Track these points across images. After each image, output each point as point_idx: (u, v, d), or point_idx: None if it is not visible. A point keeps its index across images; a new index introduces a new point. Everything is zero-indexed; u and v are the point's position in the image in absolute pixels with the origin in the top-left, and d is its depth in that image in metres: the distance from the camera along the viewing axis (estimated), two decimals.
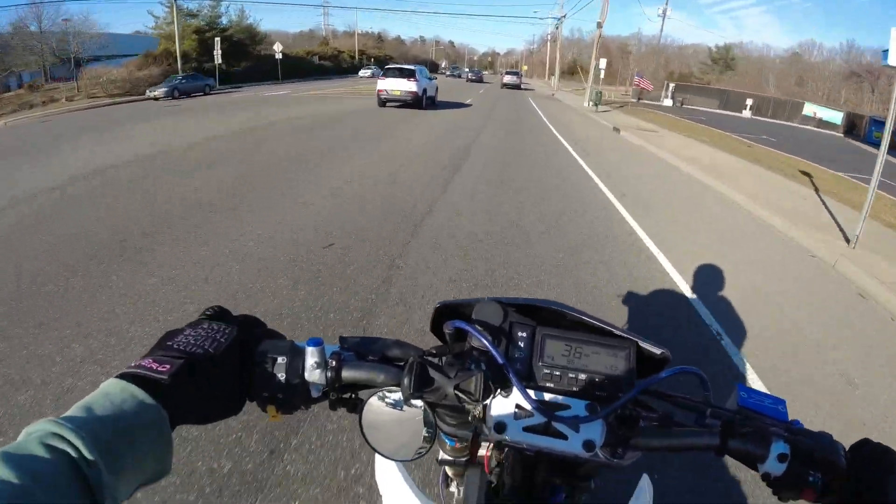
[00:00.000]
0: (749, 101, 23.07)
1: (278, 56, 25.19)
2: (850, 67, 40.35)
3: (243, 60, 25.85)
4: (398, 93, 13.68)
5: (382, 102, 14.01)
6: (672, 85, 28.19)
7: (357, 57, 43.49)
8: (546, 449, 0.46)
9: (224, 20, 29.04)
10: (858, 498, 0.39)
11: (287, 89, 20.79)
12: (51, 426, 0.27)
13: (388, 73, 14.15)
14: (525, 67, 57.71)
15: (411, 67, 14.68)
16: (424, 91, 14.25)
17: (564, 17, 34.93)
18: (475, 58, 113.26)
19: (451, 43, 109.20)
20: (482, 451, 0.57)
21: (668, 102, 19.53)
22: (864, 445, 0.41)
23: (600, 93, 18.21)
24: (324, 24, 57.29)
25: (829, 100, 31.58)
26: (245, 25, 29.94)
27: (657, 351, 0.48)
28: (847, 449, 0.42)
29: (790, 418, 0.45)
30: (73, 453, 0.26)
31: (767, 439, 0.42)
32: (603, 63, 20.13)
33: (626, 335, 0.49)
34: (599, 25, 20.06)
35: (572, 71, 48.71)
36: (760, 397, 0.46)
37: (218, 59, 19.90)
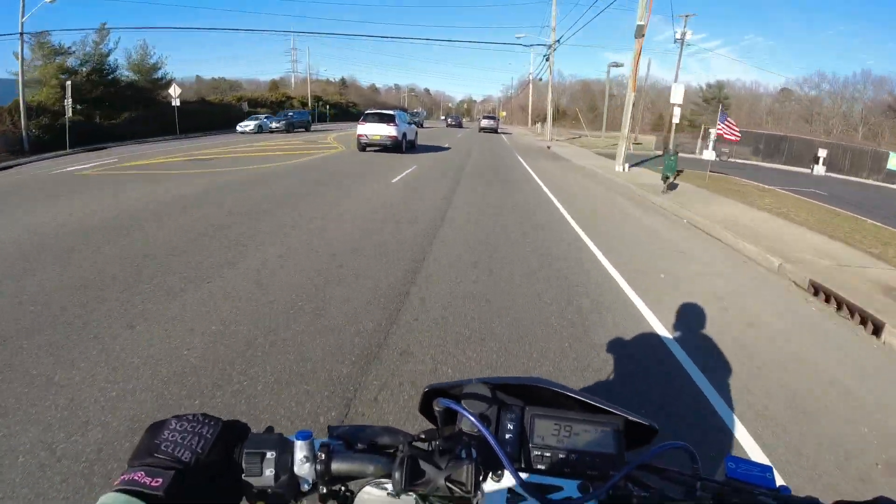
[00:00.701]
0: (822, 153, 20.66)
1: (175, 103, 22.59)
2: (885, 100, 39.90)
3: (135, 109, 23.28)
4: (378, 137, 16.35)
5: (363, 147, 16.74)
6: (713, 132, 16.83)
7: (311, 104, 44.99)
8: None
9: (119, 57, 26.76)
10: None
11: (146, 149, 16.78)
12: None
13: (367, 119, 16.94)
14: (503, 114, 64.81)
15: (390, 112, 17.52)
16: (404, 135, 16.98)
17: (558, 42, 29.95)
18: (450, 105, 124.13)
19: (427, 91, 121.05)
20: None
21: (708, 155, 16.71)
22: None
23: (674, 157, 11.15)
24: (293, 70, 61.89)
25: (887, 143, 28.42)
26: (146, 65, 27.51)
27: (645, 423, 0.58)
28: None
29: (778, 484, 0.52)
30: None
31: None
32: (677, 106, 16.05)
33: (613, 410, 0.58)
34: (640, 32, 13.65)
35: (554, 116, 54.06)
36: (748, 466, 0.54)
37: (69, 111, 16.51)
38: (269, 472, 0.49)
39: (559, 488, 0.55)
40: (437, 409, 0.60)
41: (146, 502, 0.40)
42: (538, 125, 48.30)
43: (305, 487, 0.51)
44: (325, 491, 0.53)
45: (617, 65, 20.18)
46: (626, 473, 0.51)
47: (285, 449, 0.50)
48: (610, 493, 0.52)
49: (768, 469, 0.54)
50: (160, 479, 0.42)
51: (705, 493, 0.52)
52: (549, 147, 24.84)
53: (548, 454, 0.56)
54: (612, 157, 17.01)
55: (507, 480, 0.53)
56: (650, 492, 0.55)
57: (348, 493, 0.55)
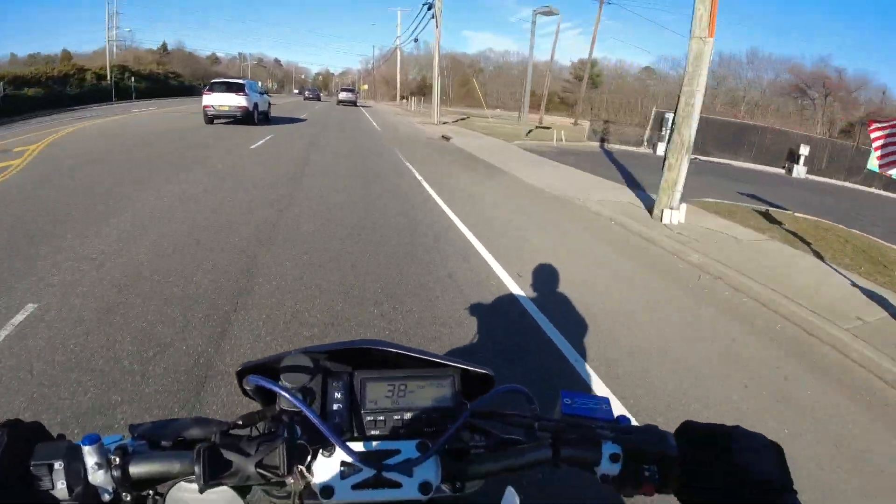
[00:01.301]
0: (804, 150, 18.85)
1: None
2: (789, 81, 44.62)
3: None
4: (226, 108, 17.55)
5: (210, 119, 17.85)
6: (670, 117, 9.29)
7: (110, 78, 40.18)
8: (383, 503, 0.56)
9: None
10: (694, 480, 0.54)
11: None
12: None
13: (213, 88, 17.90)
14: (365, 87, 67.32)
15: (240, 81, 18.87)
16: (255, 106, 18.49)
17: None
18: (304, 77, 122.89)
19: (278, 61, 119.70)
20: None
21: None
22: (689, 428, 0.58)
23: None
24: (107, 38, 56.19)
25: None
26: None
27: (481, 372, 0.65)
28: (672, 435, 0.57)
29: (616, 415, 0.61)
30: None
31: (597, 442, 0.58)
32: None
33: (448, 363, 0.64)
34: None
35: (422, 91, 56.96)
36: (584, 400, 0.62)
37: None
38: (60, 484, 0.50)
39: (397, 451, 0.58)
40: (247, 387, 0.65)
41: None
42: (408, 101, 48.48)
43: (107, 497, 0.53)
44: (128, 498, 0.54)
45: (550, 12, 18.74)
46: (460, 424, 0.58)
47: (74, 457, 0.51)
48: (447, 447, 0.59)
49: (605, 400, 0.63)
50: None
51: (544, 432, 0.60)
52: (446, 138, 18.39)
53: (381, 418, 0.61)
54: (579, 156, 15.59)
55: (340, 454, 0.56)
56: (488, 438, 0.63)
57: (157, 497, 0.58)
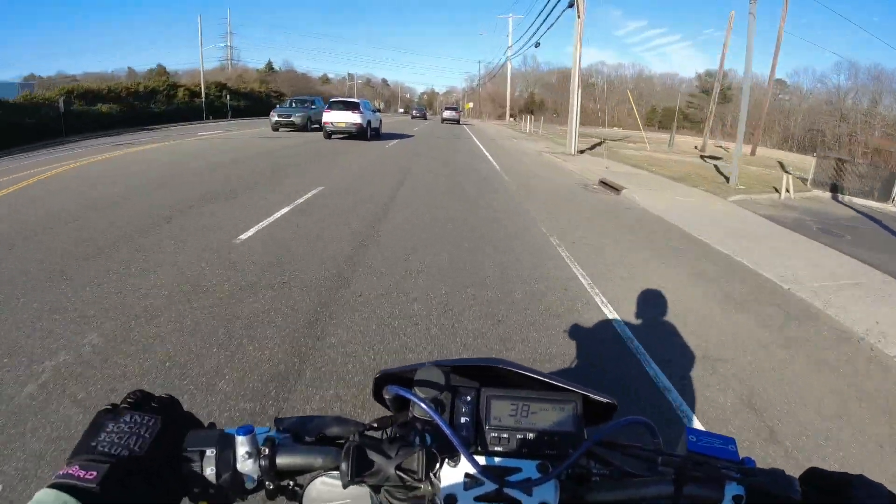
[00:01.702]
0: None
1: None
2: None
3: None
4: (343, 124, 20.45)
5: (328, 134, 20.88)
6: None
7: (204, 96, 39.91)
8: None
9: None
10: None
11: None
12: None
13: (332, 107, 21.46)
14: (469, 105, 69.76)
15: (355, 100, 21.70)
16: (369, 123, 21.02)
17: None
18: (408, 96, 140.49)
19: (385, 81, 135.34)
20: None
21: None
22: (815, 475, 0.61)
23: None
24: (228, 57, 63.03)
25: None
26: None
27: (604, 400, 0.70)
28: (798, 481, 0.61)
29: (741, 457, 0.64)
30: None
31: (721, 482, 0.61)
32: None
33: (571, 388, 0.70)
34: None
35: (530, 108, 57.59)
36: (710, 439, 0.66)
37: None
38: (209, 470, 0.59)
39: (518, 470, 0.64)
40: (386, 396, 0.74)
41: (80, 499, 0.49)
42: (519, 119, 49.37)
43: (250, 485, 0.62)
44: (271, 487, 0.63)
45: None
46: (584, 451, 0.62)
47: (226, 445, 0.61)
48: (569, 472, 0.65)
49: (731, 441, 0.66)
50: (94, 472, 0.52)
51: (667, 467, 0.64)
52: (611, 187, 11.91)
53: (505, 435, 0.67)
54: None
55: (464, 466, 0.62)
56: (610, 468, 0.68)
57: (297, 489, 0.67)
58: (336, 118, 20.32)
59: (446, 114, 50.31)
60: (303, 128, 23.98)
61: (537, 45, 29.72)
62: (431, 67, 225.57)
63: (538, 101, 59.28)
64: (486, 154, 18.78)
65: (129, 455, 0.54)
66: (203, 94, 40.29)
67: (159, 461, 0.56)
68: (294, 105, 26.63)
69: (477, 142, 24.69)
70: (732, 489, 0.60)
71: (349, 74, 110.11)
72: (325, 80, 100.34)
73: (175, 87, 38.93)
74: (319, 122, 22.59)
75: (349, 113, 20.35)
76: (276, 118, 24.17)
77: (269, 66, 78.52)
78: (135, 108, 29.33)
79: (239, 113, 43.10)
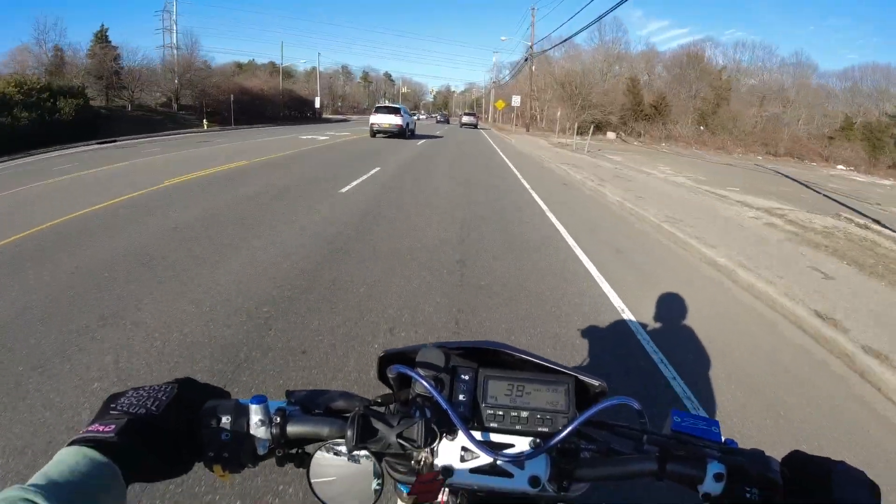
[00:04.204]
0: None
1: None
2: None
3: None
4: (387, 125, 25.91)
5: (374, 133, 26.34)
6: None
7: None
8: (494, 489, 0.70)
9: None
10: None
11: None
12: (20, 493, 0.44)
13: (378, 111, 27.25)
14: (502, 103, 50.44)
15: (397, 105, 28.38)
16: (407, 124, 26.92)
17: None
18: (421, 98, 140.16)
19: (388, 76, 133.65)
20: (439, 497, 0.78)
21: None
22: (795, 457, 0.64)
23: None
24: (281, 58, 67.62)
25: None
26: None
27: (595, 383, 0.75)
28: (780, 462, 0.64)
29: (723, 438, 0.68)
30: None
31: (703, 460, 0.64)
32: None
33: (564, 370, 0.75)
34: None
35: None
36: (694, 420, 0.70)
37: None
38: (224, 436, 0.64)
39: (511, 445, 0.70)
40: (390, 375, 0.78)
41: (102, 452, 0.53)
42: (573, 133, 28.57)
43: (262, 451, 0.67)
44: (281, 454, 0.69)
45: None
46: (574, 428, 0.67)
47: (241, 413, 0.66)
48: (559, 447, 0.69)
49: (714, 423, 0.69)
50: (112, 426, 0.55)
51: (652, 445, 0.69)
52: None
53: (500, 413, 0.72)
54: None
55: (461, 440, 0.68)
56: (598, 445, 0.72)
57: (304, 455, 0.71)
58: (381, 120, 25.56)
59: (465, 119, 57.35)
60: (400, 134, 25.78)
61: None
62: (451, 66, 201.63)
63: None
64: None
65: (145, 413, 0.60)
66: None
67: (175, 423, 0.62)
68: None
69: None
70: (714, 467, 0.64)
71: (387, 73, 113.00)
72: (366, 80, 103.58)
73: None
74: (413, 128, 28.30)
75: (392, 116, 25.60)
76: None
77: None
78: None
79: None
